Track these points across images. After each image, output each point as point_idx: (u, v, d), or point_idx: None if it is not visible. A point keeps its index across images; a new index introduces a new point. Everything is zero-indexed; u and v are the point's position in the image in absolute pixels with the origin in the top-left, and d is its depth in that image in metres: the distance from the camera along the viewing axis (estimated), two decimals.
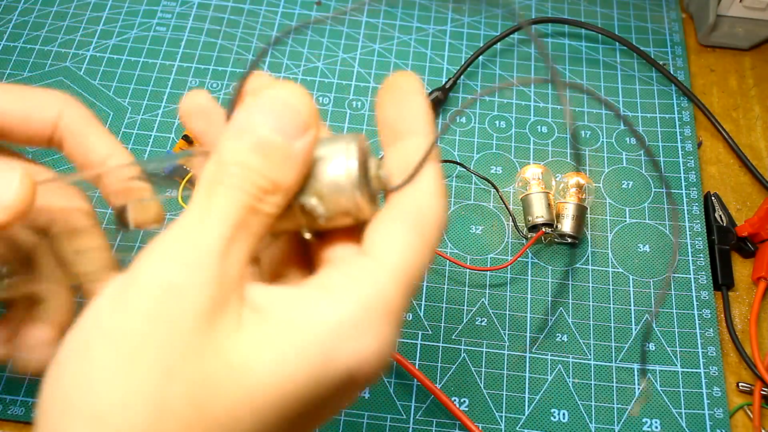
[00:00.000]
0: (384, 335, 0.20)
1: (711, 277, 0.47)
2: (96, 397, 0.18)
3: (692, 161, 0.52)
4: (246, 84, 0.24)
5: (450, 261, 0.46)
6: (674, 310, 0.46)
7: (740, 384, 0.44)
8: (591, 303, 0.46)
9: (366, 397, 0.42)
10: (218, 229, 0.20)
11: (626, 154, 0.53)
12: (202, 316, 0.19)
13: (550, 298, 0.46)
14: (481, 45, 0.56)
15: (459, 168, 0.51)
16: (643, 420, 0.42)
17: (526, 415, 0.42)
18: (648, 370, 0.41)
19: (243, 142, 0.21)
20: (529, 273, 0.47)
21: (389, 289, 0.20)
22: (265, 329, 0.19)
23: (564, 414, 0.42)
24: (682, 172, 0.52)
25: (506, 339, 0.45)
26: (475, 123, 0.54)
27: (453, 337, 0.45)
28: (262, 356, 0.19)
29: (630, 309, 0.46)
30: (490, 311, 0.46)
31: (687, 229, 0.49)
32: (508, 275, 0.47)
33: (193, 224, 0.20)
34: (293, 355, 0.19)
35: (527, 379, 0.43)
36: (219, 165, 0.21)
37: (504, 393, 0.43)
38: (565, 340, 0.45)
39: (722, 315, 0.46)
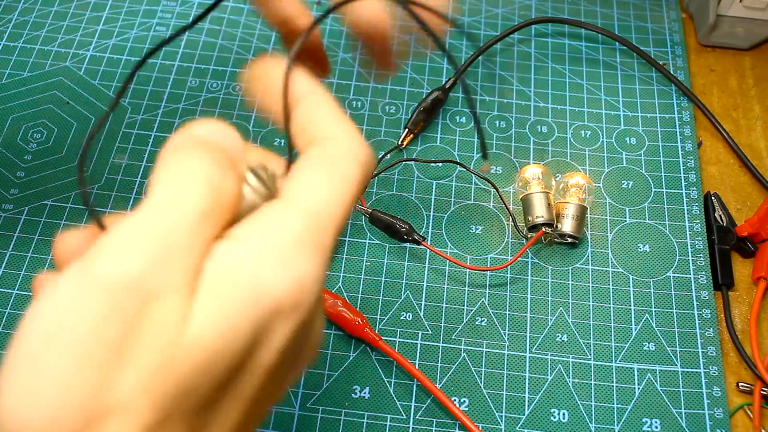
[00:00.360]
0: (298, 266, 0.21)
1: (711, 277, 0.47)
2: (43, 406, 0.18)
3: (692, 161, 0.52)
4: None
5: (450, 261, 0.46)
6: (674, 310, 0.46)
7: (740, 384, 0.44)
8: (591, 303, 0.46)
9: (366, 397, 0.42)
10: (184, 212, 0.20)
11: (626, 154, 0.53)
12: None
13: (550, 298, 0.46)
14: (481, 45, 0.56)
15: (459, 168, 0.51)
16: (643, 420, 0.42)
17: (526, 415, 0.42)
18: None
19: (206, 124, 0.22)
20: (529, 273, 0.47)
21: (297, 223, 0.21)
22: (200, 297, 0.20)
23: (564, 414, 0.42)
24: (682, 172, 0.52)
25: (506, 339, 0.45)
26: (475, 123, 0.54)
27: (453, 337, 0.45)
28: (204, 322, 0.19)
29: (630, 309, 0.46)
30: (490, 311, 0.46)
31: (687, 229, 0.49)
32: (508, 275, 0.47)
33: (157, 209, 0.20)
34: (225, 307, 0.20)
35: (527, 379, 0.43)
36: (184, 137, 0.22)
37: (504, 393, 0.43)
38: (565, 340, 0.45)
39: (722, 315, 0.46)
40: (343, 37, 0.58)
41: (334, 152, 0.23)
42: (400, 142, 0.52)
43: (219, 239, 0.21)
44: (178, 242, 0.20)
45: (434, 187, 0.51)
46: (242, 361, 0.20)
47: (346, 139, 0.23)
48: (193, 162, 0.21)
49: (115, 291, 0.19)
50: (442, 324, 0.45)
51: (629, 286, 0.47)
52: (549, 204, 0.47)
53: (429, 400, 0.42)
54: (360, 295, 0.46)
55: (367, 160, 0.23)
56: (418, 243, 0.45)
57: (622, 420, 0.42)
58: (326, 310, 0.44)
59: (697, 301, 0.46)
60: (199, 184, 0.21)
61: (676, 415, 0.42)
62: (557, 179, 0.50)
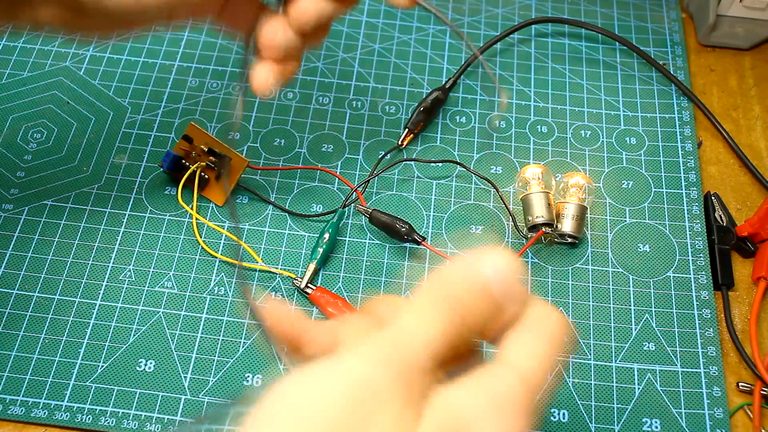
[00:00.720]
0: (513, 427, 0.23)
1: (711, 277, 0.47)
2: None
3: (692, 161, 0.52)
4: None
5: (450, 260, 0.46)
6: (674, 310, 0.46)
7: (740, 384, 0.44)
8: (591, 303, 0.46)
9: None
10: (429, 343, 0.23)
11: (626, 154, 0.53)
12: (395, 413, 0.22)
13: (550, 298, 0.46)
14: (481, 45, 0.56)
15: (459, 168, 0.51)
16: (643, 420, 0.42)
17: None
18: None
19: (463, 282, 0.25)
20: (529, 273, 0.47)
21: (516, 386, 0.24)
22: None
23: (564, 414, 0.42)
24: (682, 172, 0.52)
25: None
26: (475, 123, 0.54)
27: None
28: None
29: (630, 309, 0.46)
30: None
31: (687, 229, 0.49)
32: None
33: (405, 330, 0.24)
34: None
35: None
36: (439, 290, 0.25)
37: None
38: (565, 339, 0.45)
39: (722, 315, 0.46)
40: (343, 37, 0.58)
41: (543, 321, 0.26)
42: (400, 142, 0.52)
43: (440, 380, 0.24)
44: (417, 365, 0.23)
45: (434, 187, 0.51)
46: None
47: (551, 309, 0.26)
48: (453, 314, 0.24)
49: (359, 390, 0.22)
50: None
51: (629, 286, 0.47)
52: (549, 204, 0.47)
53: None
54: (360, 295, 0.46)
55: (567, 325, 0.27)
56: (418, 243, 0.45)
57: (622, 420, 0.42)
58: (326, 310, 0.44)
59: (697, 301, 0.46)
60: (447, 333, 0.24)
61: (676, 415, 0.42)
62: (557, 179, 0.50)
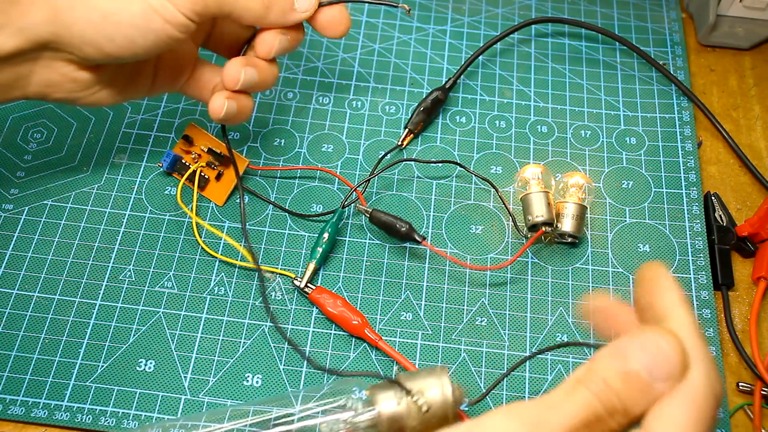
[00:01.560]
0: None
1: (711, 277, 0.47)
2: None
3: (692, 161, 0.52)
4: (643, 278, 0.29)
5: (450, 260, 0.46)
6: None
7: (740, 384, 0.44)
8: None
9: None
10: (565, 416, 0.24)
11: (626, 154, 0.53)
12: None
13: (550, 298, 0.46)
14: (481, 45, 0.56)
15: (459, 168, 0.51)
16: None
17: None
18: None
19: (616, 364, 0.25)
20: (529, 273, 0.47)
21: None
22: None
23: None
24: (682, 172, 0.52)
25: (506, 339, 0.45)
26: (475, 123, 0.54)
27: (453, 337, 0.45)
28: None
29: None
30: (490, 311, 0.46)
31: (687, 229, 0.49)
32: (508, 275, 0.47)
33: (549, 403, 0.25)
34: None
35: (527, 379, 0.43)
36: (590, 371, 0.25)
37: (504, 393, 0.43)
38: (565, 340, 0.45)
39: (722, 315, 0.46)
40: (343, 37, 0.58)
41: (695, 390, 0.24)
42: (400, 142, 0.52)
43: None
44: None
45: (434, 187, 0.51)
46: None
47: (705, 372, 0.25)
48: (596, 396, 0.25)
49: None
50: (442, 324, 0.45)
51: (629, 286, 0.47)
52: (549, 203, 0.47)
53: None
54: (360, 295, 0.46)
55: (721, 393, 0.25)
56: (418, 242, 0.45)
57: None
58: (326, 309, 0.44)
59: (697, 301, 0.46)
60: (588, 412, 0.24)
61: None
62: (557, 179, 0.50)
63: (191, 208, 0.48)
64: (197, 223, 0.48)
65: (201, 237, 0.47)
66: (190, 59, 0.46)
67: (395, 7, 0.45)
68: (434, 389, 0.35)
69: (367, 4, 0.60)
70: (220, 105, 0.43)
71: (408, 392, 0.35)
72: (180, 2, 0.38)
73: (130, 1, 0.38)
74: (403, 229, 0.45)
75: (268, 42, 0.43)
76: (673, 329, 0.25)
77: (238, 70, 0.42)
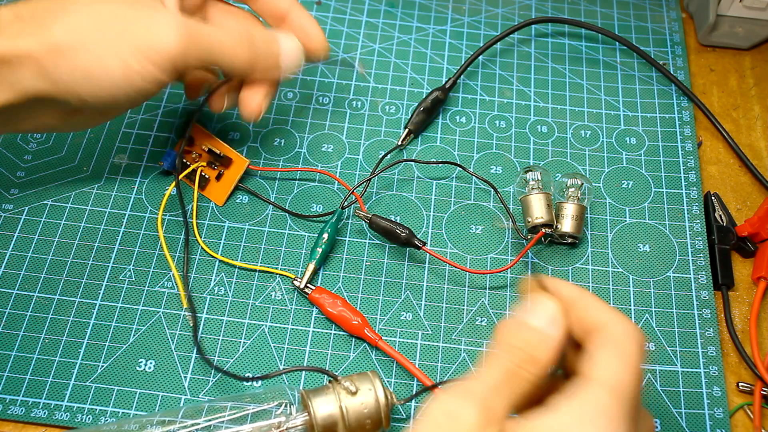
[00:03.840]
0: None
1: (711, 277, 0.47)
2: None
3: (692, 161, 0.52)
4: None
5: (451, 265, 0.46)
6: (674, 310, 0.46)
7: (740, 384, 0.44)
8: None
9: None
10: (486, 381, 0.29)
11: (626, 154, 0.53)
12: None
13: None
14: (481, 45, 0.56)
15: (459, 168, 0.51)
16: None
17: None
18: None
19: (511, 328, 0.31)
20: (529, 273, 0.47)
21: (603, 396, 0.27)
22: None
23: None
24: (682, 172, 0.52)
25: None
26: (475, 123, 0.54)
27: (453, 337, 0.45)
28: None
29: (630, 309, 0.46)
30: (490, 311, 0.46)
31: (687, 229, 0.49)
32: (508, 275, 0.47)
33: (472, 376, 0.29)
34: None
35: None
36: (495, 343, 0.31)
37: None
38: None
39: (722, 315, 0.46)
40: (343, 37, 0.58)
41: (615, 335, 0.29)
42: (400, 142, 0.52)
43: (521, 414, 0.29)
44: (495, 405, 0.28)
45: (434, 187, 0.51)
46: None
47: (621, 323, 0.30)
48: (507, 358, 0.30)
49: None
50: (442, 324, 0.45)
51: (629, 286, 0.47)
52: (548, 204, 0.47)
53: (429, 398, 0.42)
54: (360, 295, 0.46)
55: (641, 338, 0.30)
56: (418, 248, 0.45)
57: None
58: (326, 310, 0.44)
59: (697, 301, 0.46)
60: (507, 376, 0.29)
61: (676, 415, 0.42)
62: (557, 179, 0.50)
63: (191, 207, 0.48)
64: (197, 223, 0.48)
65: (201, 237, 0.47)
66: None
67: (352, 67, 0.50)
68: (368, 390, 0.38)
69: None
70: (220, 103, 0.47)
71: (335, 378, 0.38)
72: (160, 61, 0.39)
73: (111, 61, 0.39)
74: (403, 234, 0.45)
75: (255, 101, 0.45)
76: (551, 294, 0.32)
77: (259, 102, 0.45)
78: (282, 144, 0.52)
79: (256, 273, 0.46)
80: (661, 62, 0.57)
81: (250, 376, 0.42)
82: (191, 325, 0.44)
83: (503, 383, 0.29)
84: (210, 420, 0.38)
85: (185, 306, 0.44)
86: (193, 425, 0.38)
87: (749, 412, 0.43)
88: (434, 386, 0.41)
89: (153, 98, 0.54)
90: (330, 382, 0.39)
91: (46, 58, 0.38)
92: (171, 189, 0.47)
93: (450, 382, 0.43)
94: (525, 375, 0.29)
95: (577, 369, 0.30)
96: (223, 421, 0.38)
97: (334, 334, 0.44)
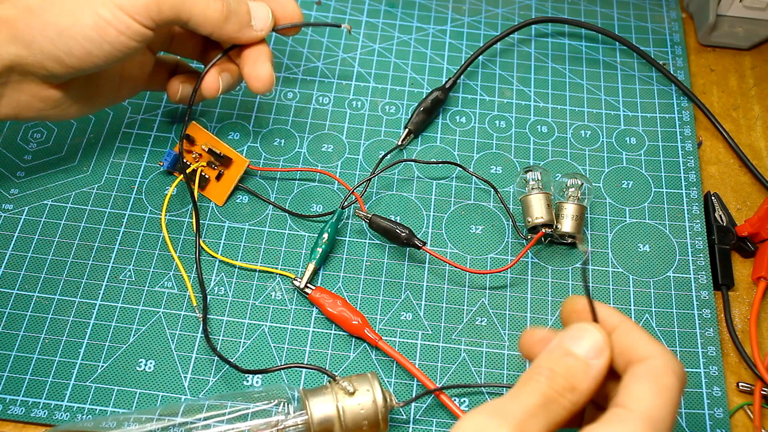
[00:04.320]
0: None
1: (711, 277, 0.47)
2: None
3: (692, 161, 0.52)
4: None
5: (451, 265, 0.46)
6: (674, 310, 0.46)
7: (740, 384, 0.44)
8: None
9: None
10: (523, 404, 0.28)
11: (626, 154, 0.53)
12: None
13: (550, 298, 0.46)
14: (481, 45, 0.56)
15: (459, 168, 0.51)
16: None
17: None
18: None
19: (555, 355, 0.30)
20: (529, 273, 0.47)
21: (639, 428, 0.27)
22: None
23: None
24: (682, 172, 0.52)
25: (506, 339, 0.45)
26: (475, 123, 0.54)
27: (453, 337, 0.45)
28: None
29: (630, 309, 0.46)
30: (490, 311, 0.46)
31: (687, 229, 0.49)
32: (508, 275, 0.47)
33: (507, 397, 0.29)
34: None
35: None
36: (536, 366, 0.30)
37: (504, 393, 0.43)
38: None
39: (722, 315, 0.46)
40: (343, 37, 0.58)
41: (655, 368, 0.29)
42: (400, 142, 0.52)
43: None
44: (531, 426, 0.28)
45: (434, 187, 0.51)
46: None
47: (662, 356, 0.29)
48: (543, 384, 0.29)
49: None
50: (442, 324, 0.45)
51: (629, 286, 0.47)
52: (548, 204, 0.47)
53: (429, 400, 0.42)
54: (360, 295, 0.46)
55: (681, 372, 0.29)
56: (418, 248, 0.45)
57: None
58: (326, 310, 0.44)
59: (697, 301, 0.46)
60: (542, 403, 0.29)
61: (676, 415, 0.42)
62: (557, 179, 0.50)
63: (191, 207, 0.48)
64: (198, 223, 0.48)
65: (201, 237, 0.47)
66: (150, 63, 0.48)
67: (338, 27, 0.48)
68: (366, 392, 0.37)
69: (314, 26, 0.60)
70: (175, 89, 0.47)
71: (333, 378, 0.38)
72: (133, 10, 0.39)
73: (83, 14, 0.38)
74: (403, 234, 0.45)
75: (211, 83, 0.46)
76: (597, 323, 0.31)
77: (176, 86, 0.47)
78: (282, 144, 0.52)
79: (256, 273, 0.46)
80: (661, 62, 0.57)
81: (251, 369, 0.42)
82: (200, 318, 0.44)
83: (540, 408, 0.28)
84: (209, 418, 0.38)
85: (194, 304, 0.44)
86: (192, 422, 0.38)
87: (749, 412, 0.43)
88: (438, 389, 0.41)
89: (153, 98, 0.54)
90: (329, 382, 0.38)
91: (18, 19, 0.38)
92: (172, 189, 0.47)
93: (450, 382, 0.43)
94: (563, 403, 0.29)
95: (612, 398, 0.30)
96: (222, 420, 0.38)
97: (334, 334, 0.44)
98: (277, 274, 0.46)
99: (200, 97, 0.46)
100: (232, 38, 0.44)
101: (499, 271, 0.46)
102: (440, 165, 0.51)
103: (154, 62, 0.48)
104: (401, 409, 0.42)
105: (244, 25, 0.43)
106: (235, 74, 0.46)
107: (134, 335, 0.44)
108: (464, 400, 0.43)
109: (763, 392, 0.43)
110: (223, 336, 0.44)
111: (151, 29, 0.40)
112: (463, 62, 0.55)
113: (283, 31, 0.46)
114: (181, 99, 0.48)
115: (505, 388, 0.43)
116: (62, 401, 0.41)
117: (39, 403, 0.41)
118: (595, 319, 0.31)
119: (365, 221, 0.46)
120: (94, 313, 0.44)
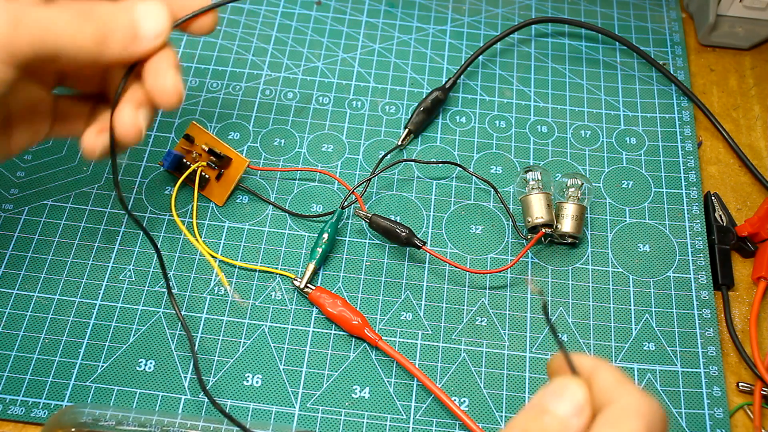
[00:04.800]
0: None
1: (711, 277, 0.47)
2: None
3: (692, 161, 0.52)
4: None
5: (451, 265, 0.46)
6: (674, 310, 0.46)
7: (740, 384, 0.44)
8: (591, 303, 0.46)
9: (366, 397, 0.42)
10: None
11: (626, 154, 0.53)
12: None
13: (550, 298, 0.46)
14: (481, 45, 0.56)
15: (459, 168, 0.51)
16: None
17: None
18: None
19: (531, 414, 0.28)
20: (529, 273, 0.47)
21: None
22: None
23: None
24: (682, 172, 0.52)
25: (506, 339, 0.45)
26: (475, 123, 0.54)
27: (453, 337, 0.45)
28: None
29: (630, 309, 0.46)
30: (490, 311, 0.46)
31: (687, 229, 0.49)
32: (508, 275, 0.47)
33: None
34: None
35: (527, 379, 0.43)
36: (511, 427, 0.29)
37: (504, 393, 0.43)
38: (565, 340, 0.45)
39: (722, 315, 0.46)
40: (343, 37, 0.58)
41: (618, 412, 0.28)
42: (400, 142, 0.52)
43: None
44: None
45: (434, 187, 0.51)
46: None
47: (627, 398, 0.28)
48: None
49: None
50: (442, 324, 0.45)
51: (629, 286, 0.47)
52: (548, 204, 0.47)
53: (429, 400, 0.42)
54: (360, 295, 0.46)
55: (648, 410, 0.28)
56: (418, 248, 0.45)
57: None
58: (326, 310, 0.44)
59: (697, 301, 0.46)
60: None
61: (676, 415, 0.42)
62: (557, 179, 0.50)
63: (191, 207, 0.48)
64: (197, 223, 0.48)
65: (201, 237, 0.47)
66: (46, 104, 0.40)
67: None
68: None
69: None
70: (91, 143, 0.38)
71: None
72: None
73: None
74: (403, 234, 0.45)
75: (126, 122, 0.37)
76: (579, 374, 0.30)
77: (92, 139, 0.37)
78: (282, 144, 0.52)
79: (256, 273, 0.46)
80: (661, 62, 0.57)
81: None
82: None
83: None
84: None
85: (230, 294, 0.44)
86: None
87: (749, 412, 0.43)
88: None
89: None
90: None
91: None
92: (177, 188, 0.47)
93: (450, 382, 0.43)
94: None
95: None
96: None
97: (334, 334, 0.44)
98: (277, 274, 0.46)
99: (122, 146, 0.38)
100: (122, 59, 0.36)
101: (499, 271, 0.46)
102: (440, 165, 0.51)
103: (53, 101, 0.40)
104: (401, 409, 0.42)
105: (131, 39, 0.35)
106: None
107: (134, 335, 0.44)
108: (464, 400, 0.43)
109: (763, 392, 0.43)
110: (223, 336, 0.44)
111: (15, 71, 0.33)
112: (463, 62, 0.55)
113: (190, 24, 0.37)
114: (101, 154, 0.38)
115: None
116: (62, 401, 0.41)
117: (39, 403, 0.41)
118: (573, 370, 0.30)
119: (365, 221, 0.46)
120: (94, 313, 0.44)
